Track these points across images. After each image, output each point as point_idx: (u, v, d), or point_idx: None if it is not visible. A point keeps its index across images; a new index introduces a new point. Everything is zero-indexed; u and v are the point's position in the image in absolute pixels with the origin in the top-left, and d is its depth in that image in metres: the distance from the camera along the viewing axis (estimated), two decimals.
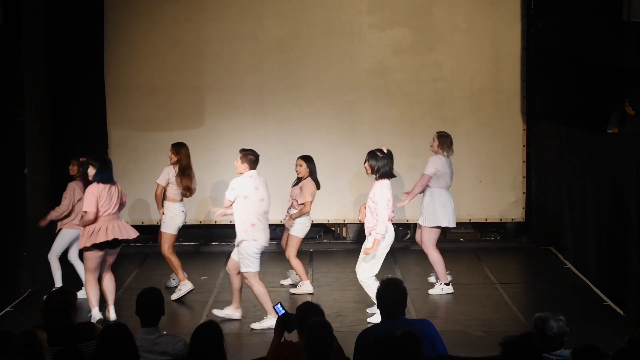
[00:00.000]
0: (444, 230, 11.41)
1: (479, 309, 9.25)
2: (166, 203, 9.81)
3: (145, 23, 11.96)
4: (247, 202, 8.57)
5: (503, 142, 12.13)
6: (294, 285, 10.04)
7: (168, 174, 9.76)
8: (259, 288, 8.62)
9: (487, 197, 12.17)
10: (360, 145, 11.96)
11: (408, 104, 12.09)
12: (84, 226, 8.71)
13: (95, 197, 8.63)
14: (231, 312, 8.86)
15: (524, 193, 12.18)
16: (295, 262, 9.86)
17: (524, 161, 12.15)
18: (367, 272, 8.71)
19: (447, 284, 9.78)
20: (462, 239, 12.25)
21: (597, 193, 9.88)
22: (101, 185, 8.70)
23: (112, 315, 8.88)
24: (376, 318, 8.54)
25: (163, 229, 9.83)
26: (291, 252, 9.87)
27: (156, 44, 11.99)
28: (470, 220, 12.27)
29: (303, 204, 9.73)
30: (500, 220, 12.31)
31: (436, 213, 9.73)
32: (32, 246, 10.09)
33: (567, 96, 11.09)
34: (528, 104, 11.99)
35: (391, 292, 5.94)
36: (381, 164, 8.64)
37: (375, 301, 8.56)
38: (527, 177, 12.13)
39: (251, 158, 8.68)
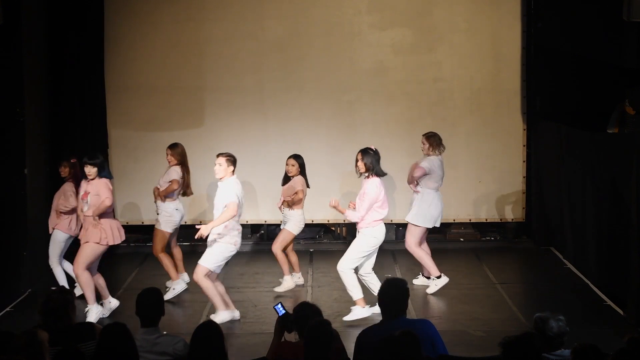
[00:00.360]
0: (444, 230, 11.44)
1: (479, 309, 9.25)
2: (161, 203, 9.81)
3: (145, 23, 11.96)
4: (237, 207, 8.58)
5: (503, 142, 12.13)
6: (298, 285, 10.05)
7: (178, 173, 9.76)
8: (207, 282, 8.62)
9: (487, 197, 12.18)
10: (360, 146, 11.89)
11: (408, 104, 12.09)
12: (99, 217, 8.71)
13: (110, 189, 8.77)
14: (228, 314, 8.86)
15: (524, 193, 12.18)
16: (280, 256, 9.84)
17: (524, 161, 12.15)
18: (348, 264, 8.75)
19: (439, 277, 9.77)
20: (462, 239, 12.25)
21: (597, 193, 9.88)
22: (108, 181, 8.87)
23: (114, 302, 9.02)
24: (353, 315, 8.61)
25: (158, 227, 9.83)
26: (278, 246, 9.85)
27: (156, 44, 11.99)
28: (470, 220, 12.27)
29: (295, 192, 9.70)
30: (500, 220, 12.31)
31: (425, 213, 9.73)
32: (32, 246, 10.08)
33: (567, 96, 11.09)
34: (528, 104, 11.99)
35: (393, 292, 5.95)
36: (375, 162, 8.66)
37: (351, 294, 8.73)
38: (527, 177, 12.13)
39: (234, 160, 8.67)
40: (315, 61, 12.04)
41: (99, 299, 8.97)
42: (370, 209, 8.64)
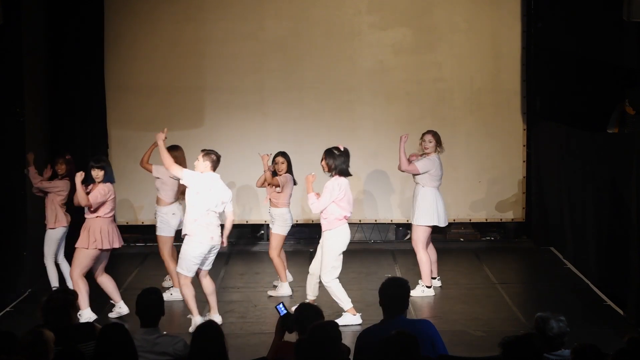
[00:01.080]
0: (444, 230, 11.42)
1: (479, 309, 9.25)
2: (158, 207, 9.78)
3: (145, 23, 11.97)
4: (197, 198, 8.46)
5: (503, 142, 12.13)
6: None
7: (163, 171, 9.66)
8: (185, 289, 8.52)
9: (487, 197, 12.18)
10: (361, 145, 11.98)
11: (408, 104, 12.09)
12: (94, 214, 8.72)
13: (105, 198, 8.72)
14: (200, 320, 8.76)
15: (524, 193, 12.18)
16: (277, 262, 9.78)
17: (524, 161, 12.15)
18: (330, 274, 8.73)
19: (429, 287, 9.75)
20: (462, 239, 12.25)
21: (597, 193, 9.88)
22: (111, 186, 8.85)
23: (124, 309, 8.97)
24: (343, 320, 8.57)
25: (157, 232, 9.81)
26: (273, 251, 9.78)
27: (156, 44, 11.99)
28: (470, 220, 12.27)
29: (276, 182, 9.66)
30: (500, 220, 12.31)
31: (427, 212, 9.70)
32: (32, 246, 10.07)
33: (567, 96, 11.09)
34: (528, 104, 11.99)
35: (393, 291, 5.93)
36: (338, 162, 8.66)
37: (341, 305, 8.74)
38: (527, 177, 12.13)
39: (213, 158, 8.56)
40: (315, 61, 12.04)
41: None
42: (327, 205, 8.63)
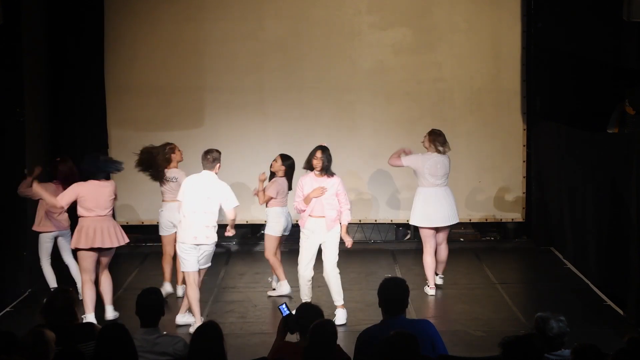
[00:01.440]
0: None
1: (479, 309, 9.25)
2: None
3: (145, 23, 11.97)
4: (182, 199, 8.58)
5: (503, 142, 12.13)
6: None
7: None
8: (189, 290, 8.54)
9: (487, 197, 12.18)
10: (361, 145, 11.99)
11: (408, 104, 12.09)
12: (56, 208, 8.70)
13: (75, 194, 8.57)
14: (187, 318, 8.80)
15: (524, 193, 12.18)
16: (273, 261, 9.72)
17: (524, 161, 12.14)
18: (336, 266, 8.82)
19: (430, 287, 9.78)
20: (462, 239, 12.24)
21: (597, 193, 9.88)
22: (94, 183, 8.63)
23: (109, 314, 8.85)
24: (341, 319, 8.64)
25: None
26: (268, 253, 9.73)
27: (156, 44, 11.99)
28: (470, 220, 12.27)
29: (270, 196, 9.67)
30: (500, 220, 12.30)
31: (414, 212, 9.72)
32: (31, 246, 10.07)
33: (567, 96, 11.08)
34: (528, 104, 11.99)
35: (392, 291, 5.94)
36: (330, 160, 8.82)
37: (338, 297, 8.80)
38: (527, 177, 12.13)
39: (207, 157, 8.65)
40: (315, 61, 12.04)
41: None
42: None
